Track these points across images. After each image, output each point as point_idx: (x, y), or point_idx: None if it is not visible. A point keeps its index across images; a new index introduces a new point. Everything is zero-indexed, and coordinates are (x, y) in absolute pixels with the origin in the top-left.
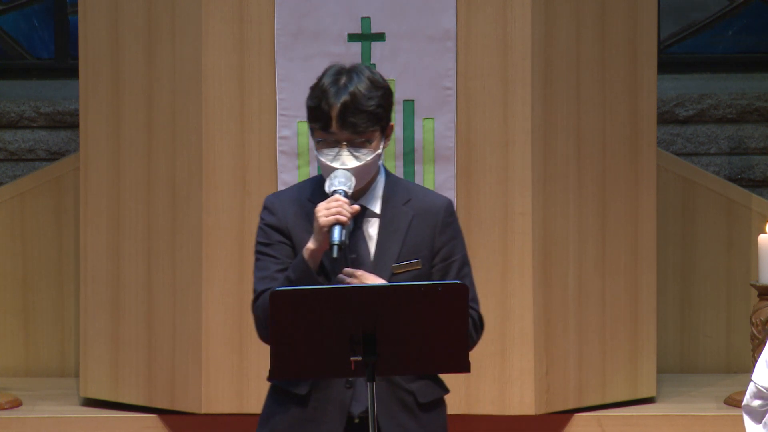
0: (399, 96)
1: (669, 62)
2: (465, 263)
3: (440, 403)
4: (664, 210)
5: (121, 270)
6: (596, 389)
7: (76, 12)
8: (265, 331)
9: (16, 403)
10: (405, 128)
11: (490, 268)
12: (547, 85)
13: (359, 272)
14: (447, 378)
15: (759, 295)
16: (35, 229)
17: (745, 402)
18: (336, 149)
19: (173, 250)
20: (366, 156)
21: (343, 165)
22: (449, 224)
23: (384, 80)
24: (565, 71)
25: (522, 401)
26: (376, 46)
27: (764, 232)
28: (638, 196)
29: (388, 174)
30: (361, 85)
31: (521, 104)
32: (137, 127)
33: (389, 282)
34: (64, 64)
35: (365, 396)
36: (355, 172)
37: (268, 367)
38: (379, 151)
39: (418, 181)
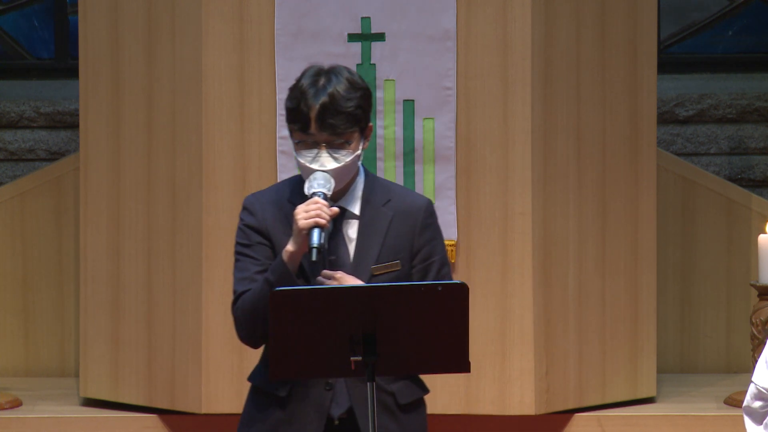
0: (399, 96)
1: (669, 62)
2: (444, 264)
3: (420, 404)
4: (664, 210)
5: (121, 270)
6: (596, 389)
7: (76, 12)
8: (244, 332)
9: (16, 403)
10: (405, 128)
11: (490, 268)
12: (547, 85)
13: (338, 274)
14: (447, 378)
15: (759, 295)
16: (35, 229)
17: (745, 403)
18: (315, 150)
19: (173, 250)
20: (345, 157)
21: (322, 166)
22: (429, 225)
23: (363, 81)
24: (565, 71)
25: (522, 401)
26: (376, 46)
27: (764, 232)
28: (638, 196)
29: (367, 174)
30: (339, 86)
31: (521, 104)
32: (137, 127)
33: (368, 283)
34: (64, 64)
35: (345, 398)
36: (334, 173)
37: None
38: (359, 152)
39: (418, 181)
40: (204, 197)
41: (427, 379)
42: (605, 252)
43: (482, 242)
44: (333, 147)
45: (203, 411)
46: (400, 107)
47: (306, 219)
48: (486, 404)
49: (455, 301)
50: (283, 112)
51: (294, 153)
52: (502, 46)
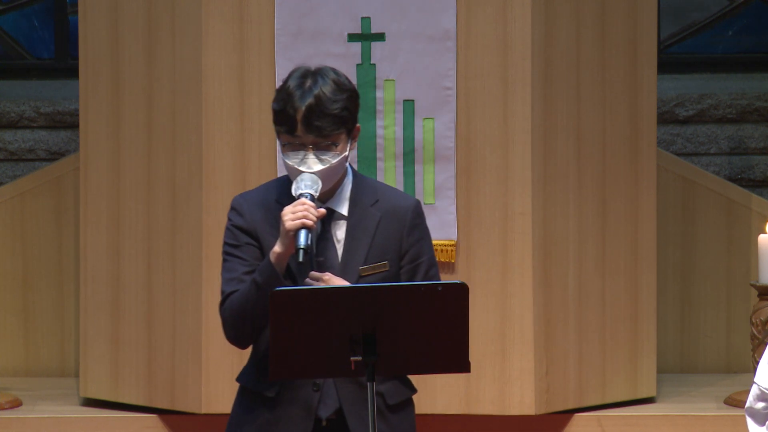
0: (399, 96)
1: (669, 62)
2: (432, 264)
3: (408, 404)
4: (664, 210)
5: (121, 270)
6: (596, 389)
7: (76, 12)
8: (232, 333)
9: (16, 403)
10: (405, 128)
11: (490, 268)
12: (547, 85)
13: (326, 276)
14: (447, 378)
15: (759, 295)
16: (35, 229)
17: (748, 404)
18: (302, 152)
19: (173, 250)
20: (332, 159)
21: (309, 168)
22: (417, 225)
23: (350, 82)
24: (565, 71)
25: (522, 401)
26: (376, 46)
27: (764, 232)
28: (638, 196)
29: (355, 175)
30: (326, 88)
31: (521, 104)
32: (137, 127)
33: (356, 284)
34: (64, 64)
35: (333, 399)
36: (321, 175)
37: None
38: (346, 153)
39: (418, 181)
40: (204, 197)
41: (427, 379)
42: (605, 252)
43: (482, 242)
44: (320, 149)
45: (203, 411)
46: (400, 107)
47: (293, 220)
48: (486, 404)
49: (455, 301)
50: None
51: (281, 154)
52: (502, 46)
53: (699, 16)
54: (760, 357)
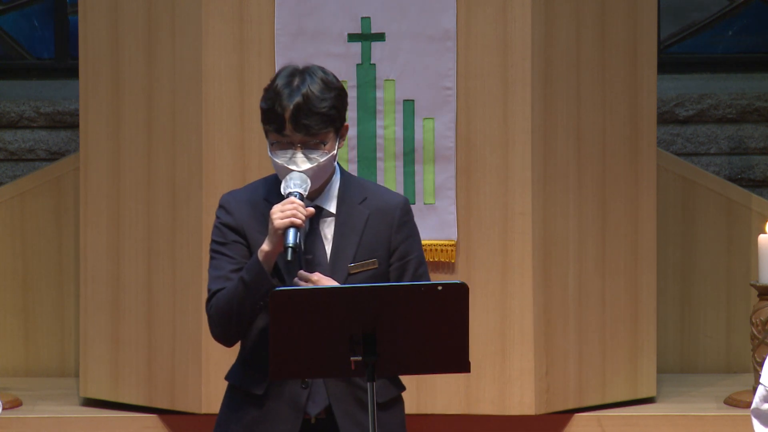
0: (399, 96)
1: (669, 62)
2: (421, 262)
3: (397, 401)
4: (664, 210)
5: (121, 270)
6: (596, 389)
7: (76, 12)
8: (218, 330)
9: (16, 403)
10: (405, 128)
11: (490, 268)
12: (547, 85)
13: (315, 276)
14: (447, 378)
15: (759, 295)
16: (35, 229)
17: (754, 405)
18: (290, 151)
19: (173, 250)
20: (320, 157)
21: (298, 167)
22: (405, 223)
23: (338, 81)
24: (565, 71)
25: (522, 401)
26: (376, 46)
27: (764, 232)
28: (638, 196)
29: (343, 173)
30: (314, 87)
31: (521, 104)
32: (137, 127)
33: (346, 282)
34: (64, 64)
35: (322, 396)
36: (310, 173)
37: None
38: (334, 152)
39: (418, 181)
40: (204, 197)
41: (427, 379)
42: (605, 252)
43: (482, 242)
44: (308, 147)
45: (203, 411)
46: (400, 107)
47: (282, 219)
48: (486, 404)
49: (455, 301)
50: None
51: (269, 153)
52: (502, 46)
53: (699, 16)
54: (760, 357)
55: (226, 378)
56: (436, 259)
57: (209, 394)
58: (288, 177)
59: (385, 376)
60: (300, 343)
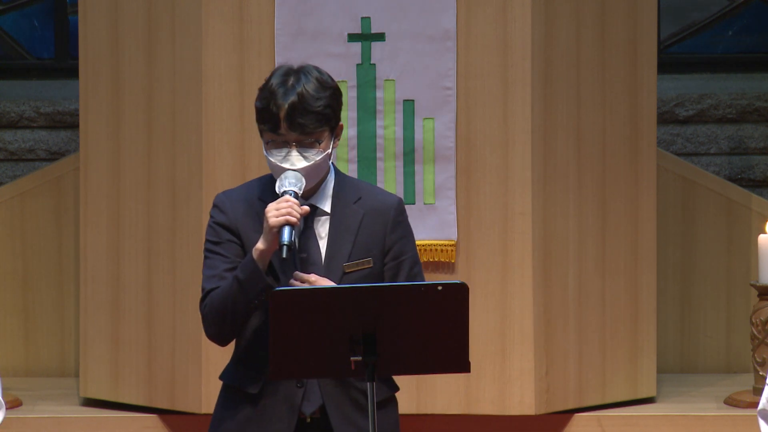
0: (399, 96)
1: (669, 62)
2: (416, 262)
3: (391, 401)
4: (664, 210)
5: (121, 270)
6: (596, 389)
7: (76, 12)
8: (213, 330)
9: (16, 403)
10: (405, 128)
11: (490, 268)
12: (547, 85)
13: (313, 277)
14: (447, 378)
15: (759, 295)
16: (35, 229)
17: (761, 406)
18: (285, 150)
19: (173, 250)
20: (315, 156)
21: (293, 166)
22: (400, 223)
23: (332, 80)
24: (565, 71)
25: (522, 401)
26: (376, 46)
27: (764, 232)
28: (638, 196)
29: (337, 173)
30: (308, 86)
31: (521, 104)
32: (137, 127)
33: (341, 281)
34: (64, 64)
35: (317, 395)
36: (304, 172)
37: None
38: (329, 151)
39: (418, 181)
40: (204, 197)
41: (427, 379)
42: (605, 252)
43: (482, 242)
44: (303, 146)
45: (203, 411)
46: (400, 107)
47: (277, 217)
48: (486, 404)
49: (455, 301)
50: None
51: (264, 152)
52: (502, 46)
53: (699, 16)
54: (760, 357)
55: (221, 377)
56: (436, 259)
57: (209, 394)
58: (283, 176)
59: (385, 376)
60: (300, 343)
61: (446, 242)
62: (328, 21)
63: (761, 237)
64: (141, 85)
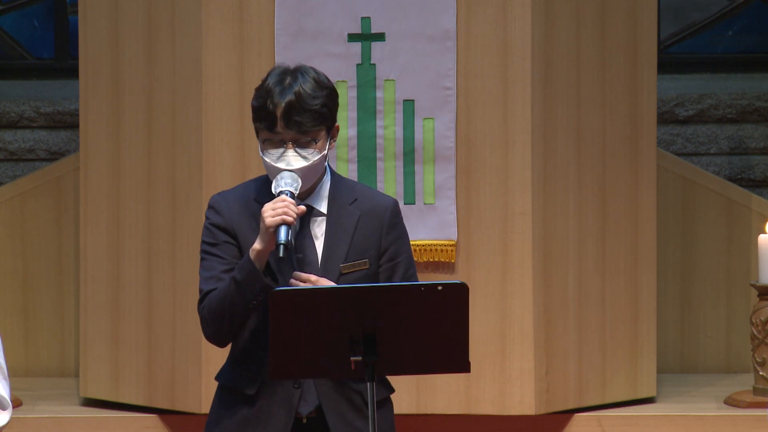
0: (399, 96)
1: (669, 62)
2: (411, 263)
3: (387, 402)
4: (664, 210)
5: (121, 270)
6: (596, 389)
7: (76, 12)
8: (211, 331)
9: (16, 403)
10: (405, 128)
11: (490, 268)
12: (547, 85)
13: (313, 277)
14: (447, 378)
15: (759, 295)
16: (35, 229)
17: None
18: (281, 149)
19: (173, 250)
20: (312, 156)
21: (289, 165)
22: (395, 224)
23: (329, 81)
24: (565, 71)
25: (522, 401)
26: (376, 46)
27: (764, 232)
28: (638, 196)
29: (333, 174)
30: (306, 85)
31: (521, 104)
32: (137, 127)
33: (338, 282)
34: (64, 64)
35: (313, 396)
36: (300, 172)
37: None
38: (325, 151)
39: (418, 181)
40: (204, 197)
41: (427, 379)
42: (605, 252)
43: (482, 242)
44: (299, 145)
45: (203, 411)
46: (400, 107)
47: (273, 216)
48: (486, 404)
49: (455, 301)
50: None
51: (260, 152)
52: (502, 46)
53: (699, 16)
54: (760, 357)
55: (217, 378)
56: (436, 259)
57: (209, 395)
58: (279, 176)
59: (385, 376)
60: (300, 343)
61: (446, 242)
62: (328, 21)
63: (761, 237)
64: (141, 85)
